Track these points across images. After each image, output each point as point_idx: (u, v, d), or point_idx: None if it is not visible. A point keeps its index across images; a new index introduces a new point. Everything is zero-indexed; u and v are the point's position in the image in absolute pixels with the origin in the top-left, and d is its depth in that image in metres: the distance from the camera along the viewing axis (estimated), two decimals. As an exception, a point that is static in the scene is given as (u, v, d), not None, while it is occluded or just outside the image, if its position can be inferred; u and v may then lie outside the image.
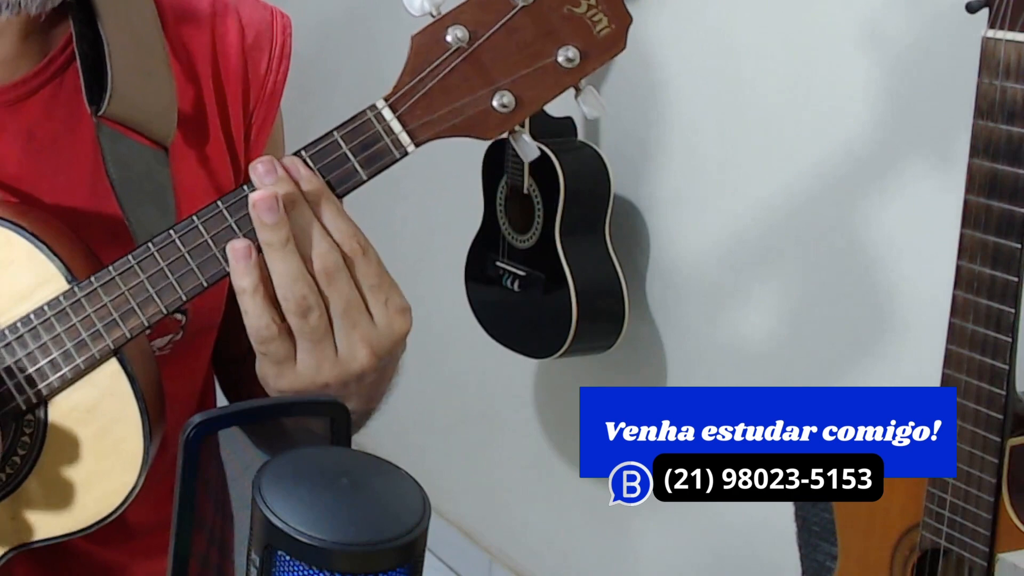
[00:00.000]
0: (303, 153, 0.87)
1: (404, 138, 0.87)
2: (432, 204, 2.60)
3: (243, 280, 0.85)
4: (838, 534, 1.47)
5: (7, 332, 0.88)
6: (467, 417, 2.58)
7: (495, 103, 0.86)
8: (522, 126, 0.89)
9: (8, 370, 0.88)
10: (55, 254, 0.88)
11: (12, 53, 0.96)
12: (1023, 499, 1.24)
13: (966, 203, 1.20)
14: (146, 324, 0.87)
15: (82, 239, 0.94)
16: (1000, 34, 1.15)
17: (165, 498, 0.77)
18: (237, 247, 0.85)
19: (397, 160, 0.88)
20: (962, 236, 1.21)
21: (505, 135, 0.89)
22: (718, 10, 1.89)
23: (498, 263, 2.10)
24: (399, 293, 0.89)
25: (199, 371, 1.11)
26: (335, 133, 0.87)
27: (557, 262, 1.98)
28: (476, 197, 2.13)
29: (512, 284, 2.07)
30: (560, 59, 0.86)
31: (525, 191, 2.02)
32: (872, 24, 1.66)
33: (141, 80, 0.97)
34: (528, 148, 0.89)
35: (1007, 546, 1.23)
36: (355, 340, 0.87)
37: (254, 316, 0.86)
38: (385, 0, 2.67)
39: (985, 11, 1.16)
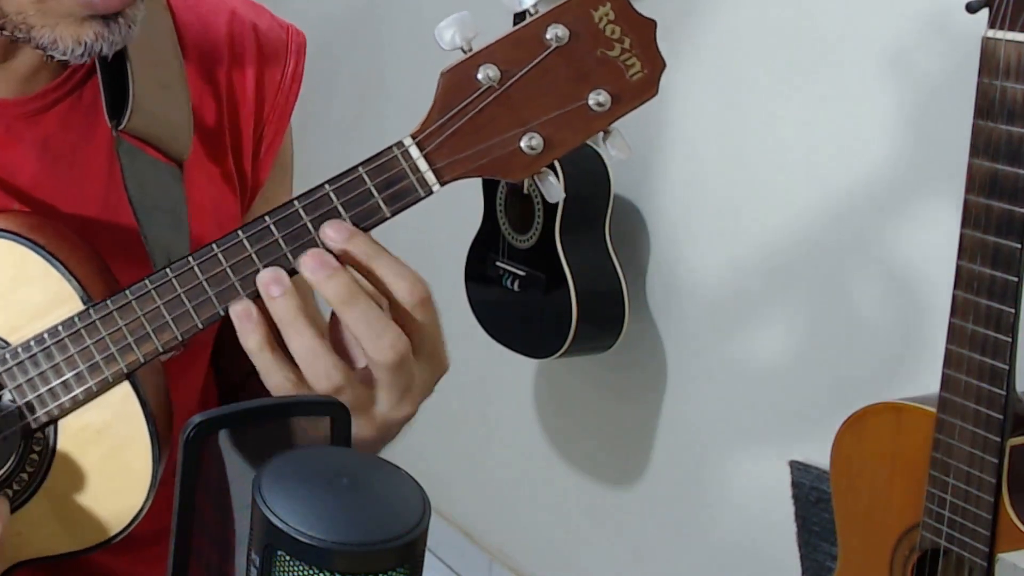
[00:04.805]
0: (327, 187, 0.84)
1: (430, 177, 0.85)
2: (431, 204, 2.59)
3: (249, 341, 0.83)
4: (838, 534, 1.47)
5: (20, 351, 0.87)
6: (467, 417, 2.58)
7: (523, 144, 0.83)
8: (549, 167, 0.86)
9: (19, 389, 0.88)
10: (71, 274, 0.87)
11: (32, 66, 0.96)
12: (1023, 499, 1.24)
13: (966, 203, 1.21)
14: (160, 350, 0.86)
15: (97, 254, 0.93)
16: (1000, 34, 1.15)
17: (168, 505, 0.77)
18: (237, 310, 0.83)
19: (422, 199, 0.86)
20: (962, 236, 1.21)
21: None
22: (721, 13, 1.90)
23: (498, 263, 2.10)
24: (415, 277, 0.89)
25: (198, 382, 1.10)
26: (360, 168, 0.84)
27: (557, 262, 1.98)
28: (476, 197, 2.12)
29: (512, 284, 2.07)
30: (591, 102, 0.83)
31: (525, 191, 2.02)
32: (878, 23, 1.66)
33: (160, 96, 0.96)
34: (554, 190, 0.86)
35: (1007, 546, 1.23)
36: (424, 368, 0.88)
37: (267, 374, 0.84)
38: (386, 1, 2.68)
39: (985, 11, 1.16)
